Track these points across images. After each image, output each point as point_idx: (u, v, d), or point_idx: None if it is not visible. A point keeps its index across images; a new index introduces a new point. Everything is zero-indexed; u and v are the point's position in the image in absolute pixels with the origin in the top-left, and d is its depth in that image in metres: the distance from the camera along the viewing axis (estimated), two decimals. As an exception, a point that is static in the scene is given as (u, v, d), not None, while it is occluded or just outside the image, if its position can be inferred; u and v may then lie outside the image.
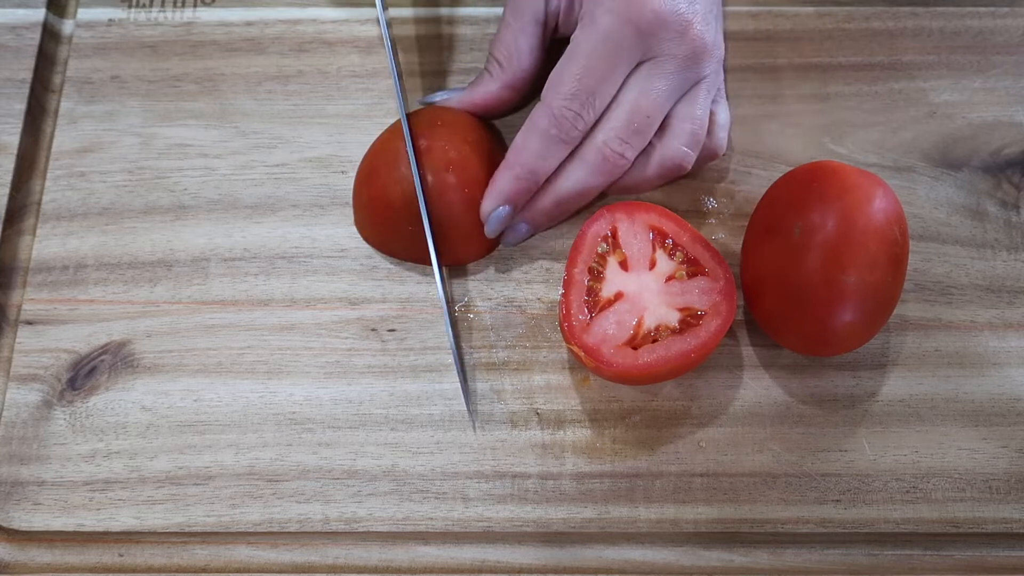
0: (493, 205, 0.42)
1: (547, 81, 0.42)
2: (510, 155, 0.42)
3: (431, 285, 0.44)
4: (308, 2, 0.50)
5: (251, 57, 0.49)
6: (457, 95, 0.45)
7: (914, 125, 0.48)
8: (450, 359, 0.43)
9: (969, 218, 0.46)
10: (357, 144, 0.47)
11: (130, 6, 0.50)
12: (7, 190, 0.46)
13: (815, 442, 0.42)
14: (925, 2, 0.50)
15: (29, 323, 0.44)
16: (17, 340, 0.44)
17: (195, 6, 0.50)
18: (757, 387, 0.43)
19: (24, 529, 0.41)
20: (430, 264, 0.43)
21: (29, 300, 0.44)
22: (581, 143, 0.42)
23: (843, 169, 0.39)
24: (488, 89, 0.45)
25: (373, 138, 0.47)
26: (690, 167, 0.43)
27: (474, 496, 0.41)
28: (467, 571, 0.41)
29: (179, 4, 0.50)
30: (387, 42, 0.45)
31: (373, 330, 0.44)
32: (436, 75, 0.48)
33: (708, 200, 0.46)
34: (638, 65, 0.41)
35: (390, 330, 0.44)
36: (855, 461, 0.42)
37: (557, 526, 0.41)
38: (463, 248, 0.44)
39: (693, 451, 0.42)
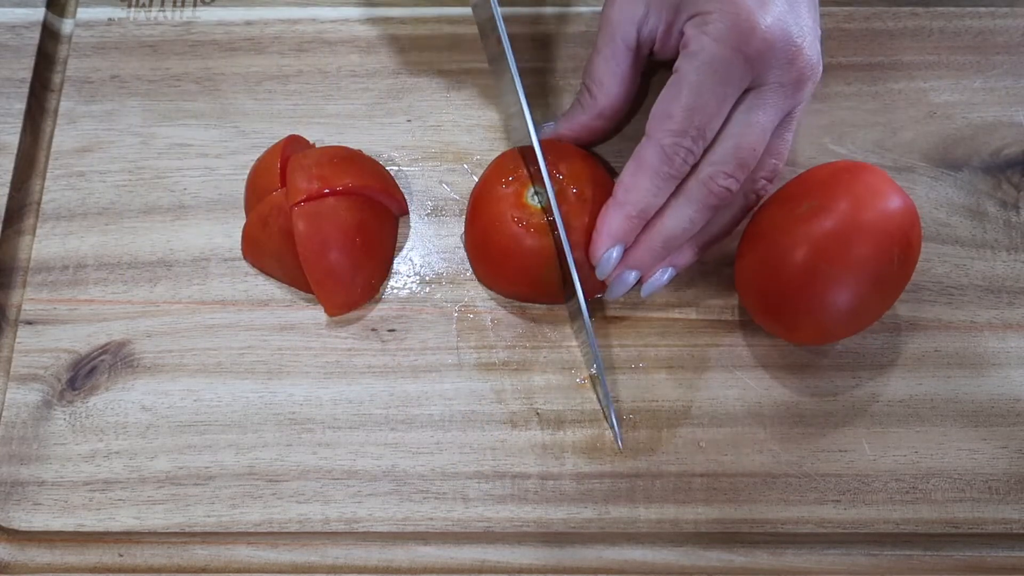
0: (607, 246, 0.40)
1: (652, 113, 0.39)
2: (620, 193, 0.40)
3: (431, 285, 0.44)
4: (308, 2, 0.50)
5: (251, 57, 0.49)
6: (551, 128, 0.44)
7: (914, 125, 0.48)
8: (450, 359, 0.43)
9: (969, 218, 0.46)
10: (357, 144, 0.46)
11: (130, 6, 0.50)
12: (7, 190, 0.46)
13: (815, 442, 0.42)
14: (925, 2, 0.50)
15: (29, 323, 0.44)
16: (17, 340, 0.44)
17: (195, 6, 0.50)
18: (757, 387, 0.43)
19: (24, 529, 0.41)
20: (549, 302, 0.44)
21: (29, 300, 0.44)
22: (685, 178, 0.40)
23: (869, 169, 0.39)
24: (580, 120, 0.43)
25: (373, 138, 0.47)
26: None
27: (474, 496, 0.41)
28: (467, 571, 0.41)
29: (179, 4, 0.50)
30: (511, 64, 0.41)
31: (373, 330, 0.44)
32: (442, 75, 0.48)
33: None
34: (744, 93, 0.39)
35: (390, 330, 0.44)
36: (855, 461, 0.42)
37: (557, 526, 0.41)
38: (589, 289, 0.42)
39: (693, 451, 0.42)
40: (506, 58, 0.41)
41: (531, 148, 0.41)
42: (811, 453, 0.42)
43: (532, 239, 0.41)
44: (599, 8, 0.49)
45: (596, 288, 0.43)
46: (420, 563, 0.41)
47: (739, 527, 0.41)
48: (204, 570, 0.41)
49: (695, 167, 0.39)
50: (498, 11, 0.41)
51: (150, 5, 0.50)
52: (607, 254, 0.40)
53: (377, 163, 0.45)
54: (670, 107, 0.38)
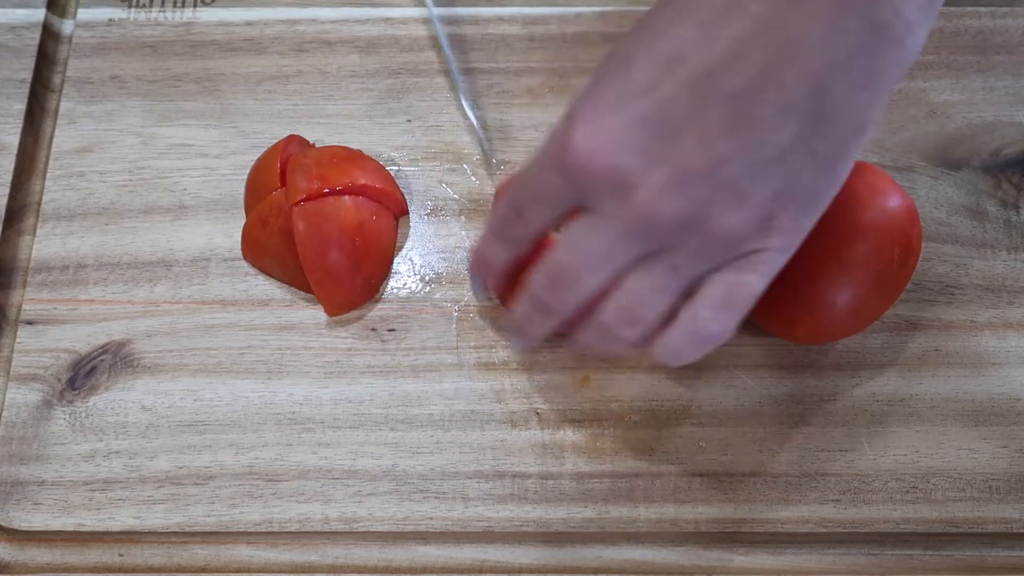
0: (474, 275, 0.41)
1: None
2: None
3: (431, 285, 0.44)
4: (308, 2, 0.50)
5: (251, 57, 0.49)
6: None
7: (914, 125, 0.48)
8: (450, 359, 0.43)
9: (969, 218, 0.46)
10: (357, 144, 0.46)
11: (130, 6, 0.50)
12: (7, 190, 0.46)
13: (815, 442, 0.42)
14: (925, 2, 0.50)
15: (29, 323, 0.44)
16: (17, 340, 0.44)
17: (195, 6, 0.50)
18: (757, 387, 0.43)
19: (24, 529, 0.41)
20: None
21: (29, 300, 0.44)
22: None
23: (870, 168, 0.39)
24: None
25: (373, 138, 0.47)
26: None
27: (474, 496, 0.41)
28: (467, 571, 0.41)
29: (179, 4, 0.50)
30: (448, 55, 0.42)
31: (373, 330, 0.44)
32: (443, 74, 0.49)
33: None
34: (581, 210, 0.33)
35: (390, 330, 0.44)
36: (855, 461, 0.42)
37: (557, 526, 0.41)
38: None
39: (693, 451, 0.42)
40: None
41: None
42: (811, 453, 0.42)
43: None
44: (599, 8, 0.49)
45: None
46: (420, 563, 0.41)
47: (739, 527, 0.41)
48: (204, 570, 0.41)
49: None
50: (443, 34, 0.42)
51: (150, 5, 0.50)
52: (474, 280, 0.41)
53: (377, 163, 0.45)
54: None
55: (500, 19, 0.49)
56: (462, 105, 0.45)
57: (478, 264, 0.40)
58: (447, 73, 0.48)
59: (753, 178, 0.30)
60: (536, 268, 0.35)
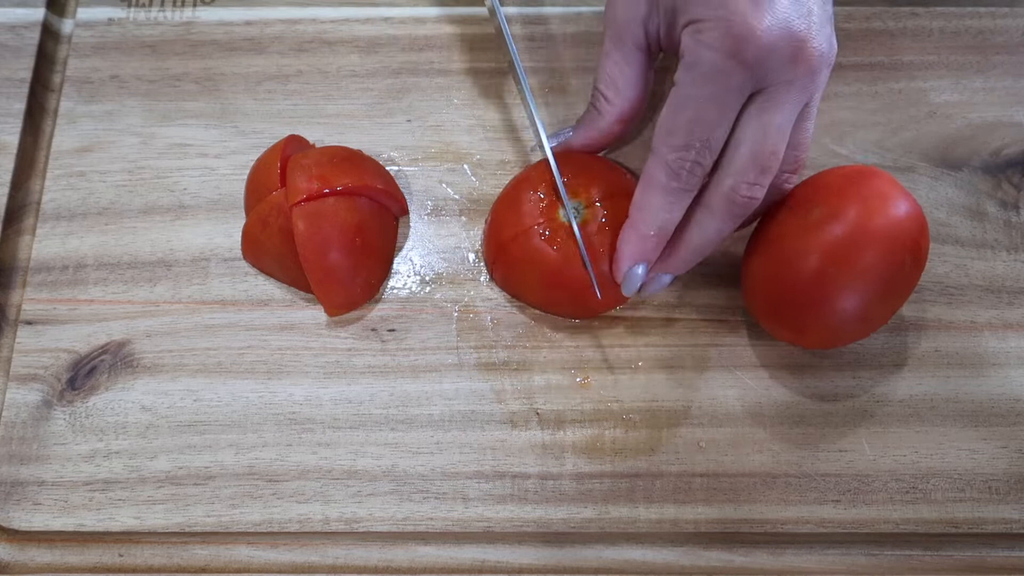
0: (627, 265, 0.39)
1: (656, 127, 0.38)
2: (634, 213, 0.39)
3: (431, 285, 0.44)
4: (308, 2, 0.50)
5: (251, 57, 0.49)
6: (567, 136, 0.43)
7: (914, 125, 0.48)
8: (450, 359, 0.43)
9: (969, 218, 0.46)
10: (357, 144, 0.46)
11: (130, 6, 0.50)
12: (7, 190, 0.46)
13: (815, 442, 0.42)
14: (925, 2, 0.50)
15: (29, 323, 0.44)
16: (17, 340, 0.44)
17: (195, 6, 0.50)
18: (757, 387, 0.43)
19: (24, 529, 0.41)
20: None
21: (29, 300, 0.44)
22: (706, 188, 0.39)
23: (878, 174, 0.39)
24: (599, 127, 0.42)
25: (373, 138, 0.47)
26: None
27: (474, 496, 0.41)
28: (467, 571, 0.41)
29: (179, 4, 0.50)
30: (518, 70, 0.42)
31: (373, 330, 0.44)
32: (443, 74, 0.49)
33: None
34: (751, 96, 0.37)
35: (390, 330, 0.44)
36: (855, 461, 0.42)
37: (557, 526, 0.41)
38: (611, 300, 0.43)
39: (693, 451, 0.42)
40: (520, 78, 0.41)
41: (555, 162, 0.42)
42: (811, 453, 0.42)
43: (561, 255, 0.41)
44: (599, 8, 0.49)
45: (618, 300, 0.43)
46: (420, 563, 0.41)
47: (739, 527, 0.41)
48: (204, 570, 0.41)
49: (716, 174, 0.39)
50: (507, 30, 0.42)
51: (150, 5, 0.50)
52: (631, 271, 0.40)
53: (377, 163, 0.45)
54: (671, 121, 0.38)
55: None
56: (527, 104, 0.43)
57: (639, 247, 0.39)
58: (447, 73, 0.48)
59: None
60: (741, 183, 0.38)
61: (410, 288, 0.45)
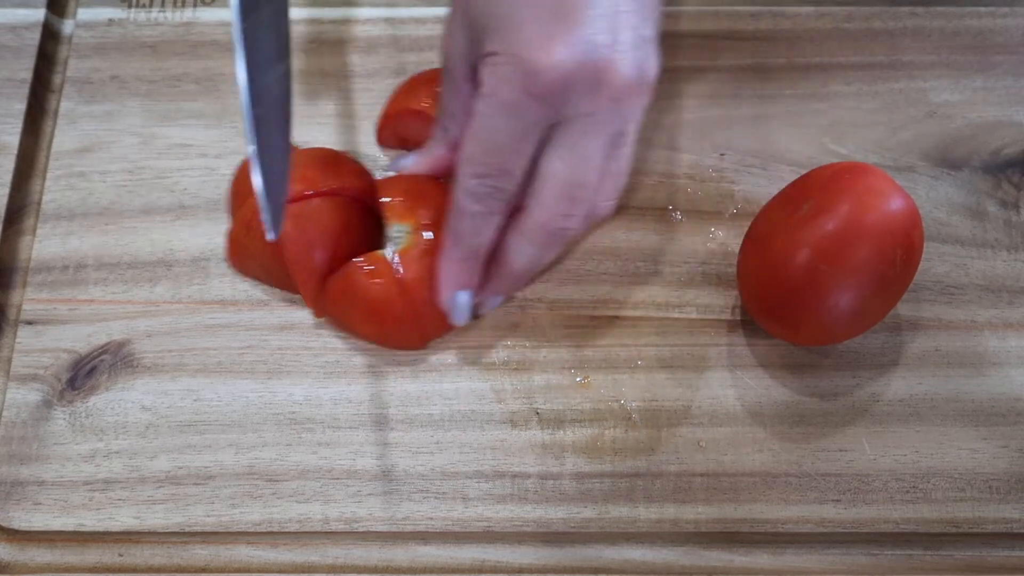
0: (449, 294, 0.40)
1: (458, 155, 0.38)
2: (447, 240, 0.39)
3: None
4: (308, 2, 0.50)
5: (251, 57, 0.49)
6: (412, 162, 0.44)
7: (914, 125, 0.48)
8: (450, 359, 0.43)
9: (969, 218, 0.46)
10: (357, 144, 0.46)
11: (130, 6, 0.50)
12: (7, 190, 0.46)
13: (815, 442, 0.42)
14: (925, 2, 0.50)
15: (29, 323, 0.44)
16: (17, 340, 0.44)
17: (195, 6, 0.50)
18: (757, 387, 0.43)
19: (24, 529, 0.41)
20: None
21: (29, 300, 0.44)
22: (523, 214, 0.38)
23: (871, 170, 0.39)
24: (437, 154, 0.43)
25: (372, 139, 0.47)
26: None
27: (474, 496, 0.41)
28: (467, 571, 0.41)
29: (179, 4, 0.50)
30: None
31: (373, 330, 0.44)
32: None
33: (707, 200, 0.46)
34: (554, 126, 0.37)
35: (390, 330, 0.44)
36: (855, 461, 0.42)
37: (557, 526, 0.41)
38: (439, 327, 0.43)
39: (693, 451, 0.42)
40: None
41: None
42: (811, 453, 0.42)
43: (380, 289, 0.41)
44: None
45: (442, 328, 0.43)
46: (420, 563, 0.41)
47: (739, 527, 0.41)
48: (204, 570, 0.41)
49: (529, 202, 0.38)
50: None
51: (150, 5, 0.50)
52: (456, 299, 0.40)
53: (361, 164, 0.45)
54: (469, 149, 0.37)
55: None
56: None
57: (455, 272, 0.40)
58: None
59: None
60: (554, 215, 0.38)
61: (410, 288, 0.45)
